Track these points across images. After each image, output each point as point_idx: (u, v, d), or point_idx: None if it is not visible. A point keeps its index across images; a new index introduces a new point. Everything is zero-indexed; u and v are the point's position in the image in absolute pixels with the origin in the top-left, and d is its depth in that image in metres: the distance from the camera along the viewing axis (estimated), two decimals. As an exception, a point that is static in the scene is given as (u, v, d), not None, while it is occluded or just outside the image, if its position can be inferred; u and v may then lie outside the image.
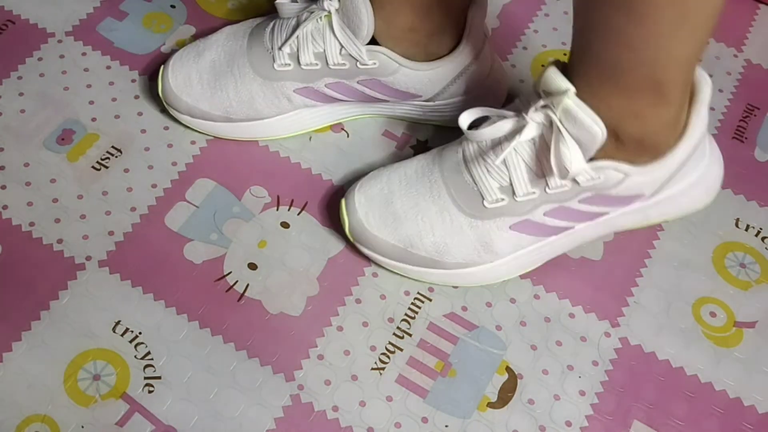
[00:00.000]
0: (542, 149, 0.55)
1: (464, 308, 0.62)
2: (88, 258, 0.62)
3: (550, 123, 0.53)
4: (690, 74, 0.53)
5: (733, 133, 0.73)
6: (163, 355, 0.59)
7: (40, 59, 0.72)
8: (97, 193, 0.66)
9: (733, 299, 0.64)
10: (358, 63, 0.62)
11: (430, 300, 0.62)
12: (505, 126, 0.55)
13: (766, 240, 0.67)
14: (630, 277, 0.65)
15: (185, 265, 0.63)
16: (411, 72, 0.63)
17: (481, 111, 0.57)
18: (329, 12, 0.60)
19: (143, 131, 0.69)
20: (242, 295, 0.62)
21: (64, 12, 0.76)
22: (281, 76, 0.64)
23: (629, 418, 0.59)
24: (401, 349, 0.60)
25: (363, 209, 0.61)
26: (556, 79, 0.51)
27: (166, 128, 0.69)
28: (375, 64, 0.62)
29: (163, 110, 0.70)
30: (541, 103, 0.53)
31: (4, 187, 0.65)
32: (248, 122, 0.67)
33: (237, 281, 0.62)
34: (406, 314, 0.62)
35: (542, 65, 0.76)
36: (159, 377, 0.58)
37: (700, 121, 0.55)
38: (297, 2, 0.63)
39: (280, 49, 0.63)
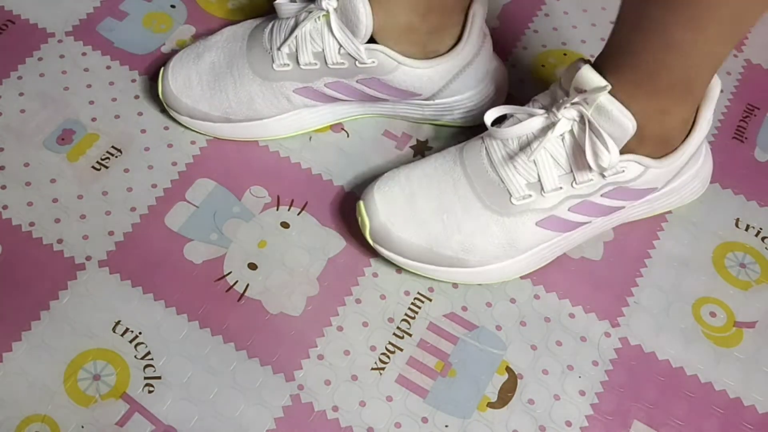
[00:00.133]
0: (572, 144, 0.56)
1: (464, 308, 0.62)
2: (88, 258, 0.62)
3: (581, 119, 0.55)
4: (715, 73, 0.56)
5: (733, 133, 0.73)
6: (163, 355, 0.59)
7: (40, 59, 0.72)
8: (97, 193, 0.66)
9: (733, 299, 0.64)
10: (356, 62, 0.62)
11: (430, 300, 0.62)
12: (534, 123, 0.56)
13: (766, 240, 0.67)
14: (630, 277, 0.65)
15: (185, 265, 0.63)
16: (410, 70, 0.63)
17: (506, 109, 0.58)
18: (327, 11, 0.60)
19: (143, 131, 0.69)
20: (242, 295, 0.62)
21: (64, 12, 0.76)
22: (280, 76, 0.64)
23: (629, 418, 0.59)
24: (401, 349, 0.60)
25: (385, 210, 0.60)
26: (592, 76, 0.53)
27: (166, 128, 0.69)
28: (374, 62, 0.62)
29: (163, 110, 0.70)
30: (574, 99, 0.54)
31: (4, 187, 0.65)
32: (248, 123, 0.67)
33: (237, 281, 0.62)
34: (406, 314, 0.62)
35: (542, 65, 0.76)
36: (159, 377, 0.58)
37: (708, 116, 0.59)
38: (296, 2, 0.63)
39: (278, 49, 0.63)
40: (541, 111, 0.57)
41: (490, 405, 0.59)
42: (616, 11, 0.82)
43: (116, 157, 0.68)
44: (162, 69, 0.68)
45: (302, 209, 0.66)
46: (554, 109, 0.55)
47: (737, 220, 0.68)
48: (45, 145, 0.68)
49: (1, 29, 0.74)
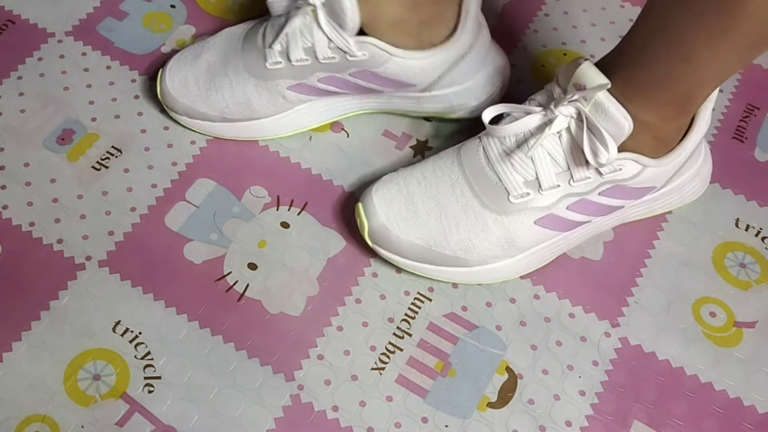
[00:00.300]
0: (569, 142, 0.56)
1: (464, 308, 0.62)
2: (88, 258, 0.62)
3: (578, 116, 0.55)
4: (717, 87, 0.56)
5: (733, 133, 0.73)
6: (163, 355, 0.59)
7: (40, 59, 0.72)
8: (97, 193, 0.66)
9: (733, 299, 0.64)
10: (347, 55, 0.62)
11: (430, 300, 0.62)
12: (532, 121, 0.57)
13: (766, 240, 0.67)
14: (630, 277, 0.65)
15: (185, 265, 0.63)
16: (403, 61, 0.62)
17: (503, 107, 0.58)
18: (315, 6, 0.60)
19: (143, 131, 0.69)
20: (242, 295, 0.62)
21: (64, 12, 0.76)
22: (274, 74, 0.64)
23: (629, 418, 0.59)
24: (401, 349, 0.60)
25: (383, 211, 0.60)
26: (592, 73, 0.53)
27: (166, 128, 0.69)
28: (365, 55, 0.61)
29: (163, 110, 0.70)
30: (573, 96, 0.54)
31: (4, 187, 0.65)
32: (246, 122, 0.67)
33: (237, 281, 0.62)
34: (406, 314, 0.62)
35: (542, 65, 0.76)
36: (159, 377, 0.58)
37: (706, 117, 0.59)
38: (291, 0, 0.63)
39: (270, 47, 0.63)
40: (539, 108, 0.57)
41: (490, 405, 0.59)
42: (616, 11, 0.82)
43: (116, 157, 0.68)
44: (161, 70, 0.68)
45: (302, 209, 0.66)
46: (552, 106, 0.56)
47: (737, 220, 0.68)
48: (45, 145, 0.68)
49: (1, 29, 0.74)
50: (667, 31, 0.50)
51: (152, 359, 0.59)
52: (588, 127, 0.54)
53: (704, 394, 0.60)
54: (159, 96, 0.67)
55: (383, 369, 0.59)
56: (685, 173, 0.63)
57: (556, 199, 0.58)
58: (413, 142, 0.70)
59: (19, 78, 0.71)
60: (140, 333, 0.60)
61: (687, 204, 0.67)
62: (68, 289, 0.61)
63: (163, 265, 0.63)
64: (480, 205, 0.59)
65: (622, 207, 0.62)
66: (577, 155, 0.56)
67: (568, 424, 0.58)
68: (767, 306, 0.64)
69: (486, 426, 0.58)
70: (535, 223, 0.59)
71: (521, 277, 0.63)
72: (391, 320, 0.61)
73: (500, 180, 0.59)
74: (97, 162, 0.67)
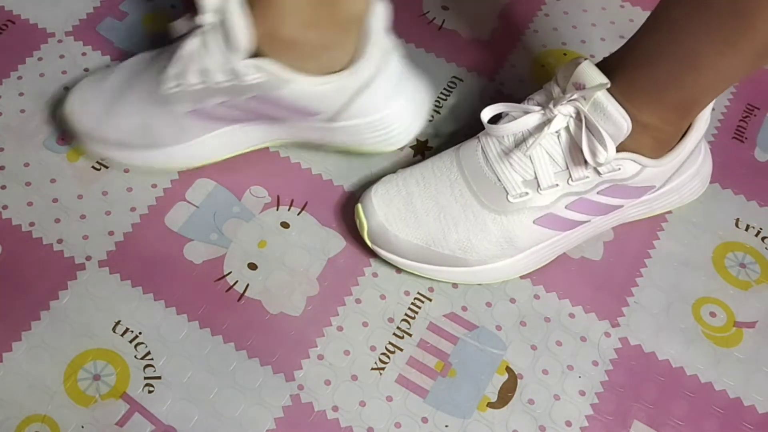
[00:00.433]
0: (568, 141, 0.56)
1: (464, 308, 0.62)
2: (88, 258, 0.62)
3: (577, 115, 0.55)
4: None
5: (733, 133, 0.73)
6: (163, 355, 0.59)
7: (40, 59, 0.72)
8: (97, 193, 0.66)
9: (733, 299, 0.64)
10: (241, 79, 0.57)
11: (430, 300, 0.62)
12: (530, 120, 0.57)
13: (766, 240, 0.67)
14: (630, 277, 0.65)
15: (185, 265, 0.63)
16: (300, 87, 0.57)
17: (501, 107, 0.58)
18: (208, 28, 0.56)
19: (143, 131, 0.69)
20: (242, 295, 0.62)
21: (64, 12, 0.76)
22: (172, 99, 0.60)
23: (629, 418, 0.59)
24: (401, 349, 0.60)
25: (382, 211, 0.60)
26: (592, 72, 0.53)
27: (166, 128, 0.69)
28: (259, 79, 0.56)
29: (163, 110, 0.70)
30: (572, 95, 0.54)
31: (4, 187, 0.65)
32: (148, 150, 0.63)
33: (237, 281, 0.62)
34: (406, 314, 0.62)
35: (542, 65, 0.76)
36: (159, 377, 0.58)
37: (706, 117, 0.58)
38: (192, 21, 0.57)
39: (167, 70, 0.59)
40: (537, 108, 0.57)
41: (490, 405, 0.59)
42: (616, 11, 0.82)
43: (116, 157, 0.68)
44: (68, 91, 0.66)
45: (302, 209, 0.66)
46: (551, 106, 0.56)
47: (737, 220, 0.68)
48: (45, 145, 0.68)
49: (1, 29, 0.74)
50: (676, 37, 0.50)
51: (152, 359, 0.59)
52: (587, 127, 0.54)
53: (704, 394, 0.60)
54: (61, 118, 0.65)
55: (383, 369, 0.59)
56: (684, 173, 0.63)
57: (554, 199, 0.58)
58: (413, 142, 0.70)
59: (19, 78, 0.71)
60: (140, 333, 0.60)
61: (687, 204, 0.67)
62: (68, 289, 0.61)
63: (163, 265, 0.63)
64: (479, 204, 0.59)
65: (622, 206, 0.62)
66: (575, 155, 0.56)
67: (568, 424, 0.58)
68: (767, 306, 0.64)
69: (486, 426, 0.58)
70: (534, 222, 0.59)
71: (521, 277, 0.64)
72: (391, 320, 0.61)
73: (499, 180, 0.59)
74: (97, 162, 0.67)
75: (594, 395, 0.59)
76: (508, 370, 0.60)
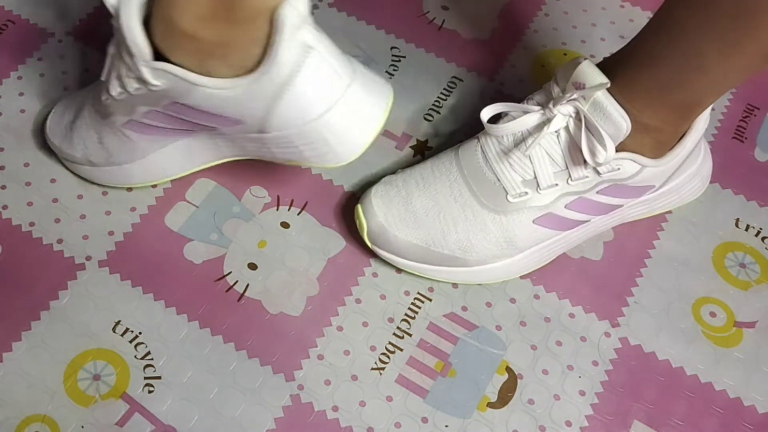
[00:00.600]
0: (567, 141, 0.56)
1: (464, 308, 0.62)
2: (88, 258, 0.62)
3: (577, 115, 0.55)
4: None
5: (733, 133, 0.73)
6: (163, 355, 0.59)
7: (40, 59, 0.72)
8: (97, 193, 0.66)
9: (733, 299, 0.64)
10: (148, 85, 0.51)
11: (430, 300, 0.62)
12: (530, 120, 0.57)
13: (766, 240, 0.67)
14: (630, 277, 0.65)
15: (185, 265, 0.63)
16: (208, 91, 0.50)
17: (501, 107, 0.58)
18: (116, 32, 0.51)
19: (143, 131, 0.69)
20: (242, 295, 0.62)
21: (64, 12, 0.76)
22: (108, 110, 0.57)
23: (629, 418, 0.59)
24: (401, 349, 0.60)
25: (382, 212, 0.60)
26: (592, 72, 0.53)
27: (166, 128, 0.69)
28: (164, 84, 0.51)
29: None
30: (571, 95, 0.54)
31: (4, 187, 0.65)
32: (109, 167, 0.62)
33: (237, 281, 0.62)
34: (406, 314, 0.62)
35: (542, 65, 0.76)
36: (159, 377, 0.58)
37: (705, 117, 0.59)
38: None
39: (103, 81, 0.56)
40: (537, 108, 0.57)
41: (490, 405, 0.59)
42: (616, 11, 0.82)
43: (116, 157, 0.68)
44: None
45: (302, 209, 0.66)
46: (550, 105, 0.56)
47: (737, 220, 0.68)
48: (45, 145, 0.67)
49: (1, 29, 0.74)
50: (679, 37, 0.50)
51: (152, 359, 0.59)
52: (586, 127, 0.54)
53: (704, 394, 0.60)
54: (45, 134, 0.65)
55: (383, 369, 0.59)
56: (684, 173, 0.63)
57: (554, 198, 0.58)
58: (413, 142, 0.70)
59: (19, 78, 0.71)
60: (140, 333, 0.60)
61: (687, 204, 0.67)
62: (68, 289, 0.61)
63: (163, 265, 0.63)
64: (478, 204, 0.59)
65: (621, 206, 0.62)
66: (575, 154, 0.56)
67: (568, 424, 0.58)
68: (767, 306, 0.64)
69: (486, 426, 0.58)
70: (533, 222, 0.59)
71: (521, 277, 0.64)
72: (391, 320, 0.61)
73: (498, 179, 0.59)
74: (97, 162, 0.67)
75: (594, 395, 0.59)
76: (508, 370, 0.60)
